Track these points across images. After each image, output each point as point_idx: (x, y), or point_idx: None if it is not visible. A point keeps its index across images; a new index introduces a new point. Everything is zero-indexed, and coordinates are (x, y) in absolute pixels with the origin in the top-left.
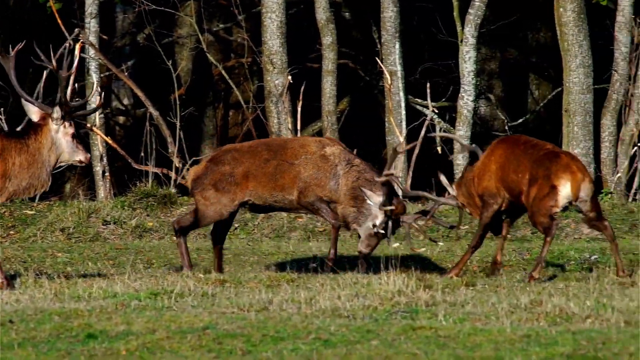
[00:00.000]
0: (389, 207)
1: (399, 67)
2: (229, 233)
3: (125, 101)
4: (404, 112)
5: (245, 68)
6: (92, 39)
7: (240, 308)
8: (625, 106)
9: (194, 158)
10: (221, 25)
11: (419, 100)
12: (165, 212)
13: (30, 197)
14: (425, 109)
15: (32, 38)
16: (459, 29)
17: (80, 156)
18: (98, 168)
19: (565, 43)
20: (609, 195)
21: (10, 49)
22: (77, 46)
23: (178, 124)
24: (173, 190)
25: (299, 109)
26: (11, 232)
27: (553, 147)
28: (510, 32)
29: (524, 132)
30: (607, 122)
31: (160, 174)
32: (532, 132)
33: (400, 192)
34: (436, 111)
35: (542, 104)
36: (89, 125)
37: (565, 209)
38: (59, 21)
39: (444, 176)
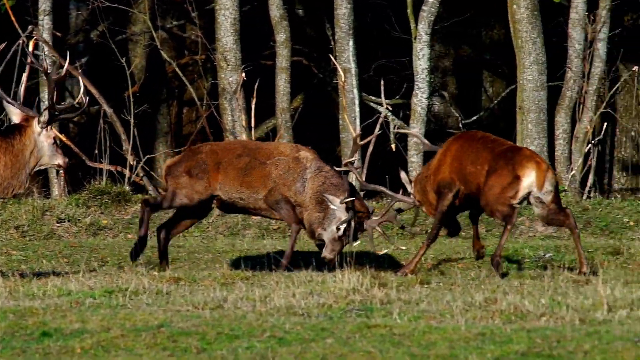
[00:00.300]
0: (349, 199)
1: (352, 65)
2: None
3: (79, 99)
4: (357, 109)
5: (199, 65)
6: (46, 36)
7: (195, 306)
8: (579, 103)
9: (148, 156)
10: (175, 23)
11: (373, 98)
12: (120, 209)
13: (5, 198)
14: (379, 106)
15: None
16: (412, 26)
17: (59, 160)
18: None
19: (518, 40)
20: (563, 192)
21: None
22: (31, 43)
23: (132, 121)
24: (127, 188)
25: (253, 106)
26: None
27: (513, 144)
28: (464, 29)
29: (478, 129)
30: (561, 120)
31: (115, 172)
32: (486, 129)
33: (358, 184)
34: (390, 108)
35: (496, 101)
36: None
37: (521, 202)
38: (13, 18)
39: (405, 175)
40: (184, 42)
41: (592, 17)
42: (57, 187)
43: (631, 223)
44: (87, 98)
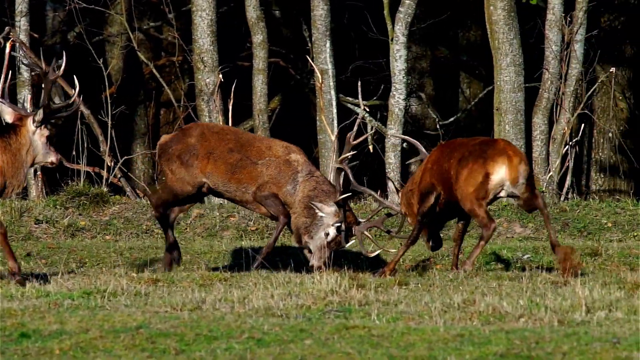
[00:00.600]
0: (343, 196)
1: (329, 66)
2: (161, 232)
3: (57, 100)
4: (335, 110)
5: (176, 66)
6: (23, 37)
7: (174, 307)
8: (557, 105)
9: (126, 157)
10: (152, 24)
11: (350, 99)
12: (98, 211)
13: (5, 198)
14: (356, 108)
15: None
16: (389, 27)
17: (52, 157)
18: None
19: (495, 41)
20: (541, 194)
21: None
22: (8, 44)
23: (109, 122)
24: (105, 189)
25: (230, 108)
26: None
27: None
28: (441, 31)
29: (455, 130)
30: (539, 121)
31: (92, 173)
32: (463, 130)
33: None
34: (367, 110)
35: (473, 103)
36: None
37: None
38: None
39: (392, 182)
40: (161, 43)
41: (569, 19)
42: (34, 188)
43: (609, 224)
44: (81, 97)
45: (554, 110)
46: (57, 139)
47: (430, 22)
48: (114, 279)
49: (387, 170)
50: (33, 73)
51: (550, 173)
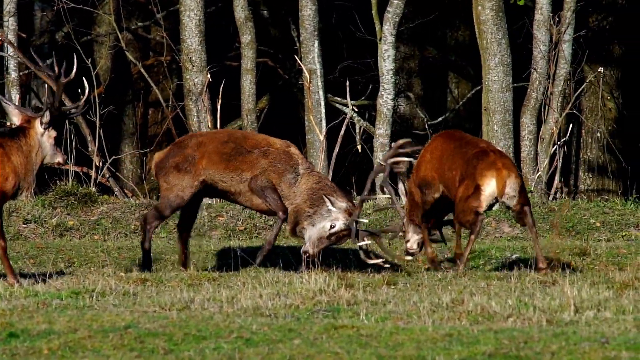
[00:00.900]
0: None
1: (318, 66)
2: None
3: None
4: (323, 110)
5: (165, 66)
6: (11, 37)
7: (162, 307)
8: (545, 105)
9: (114, 157)
10: (140, 24)
11: (339, 99)
12: (86, 210)
13: (15, 198)
14: (344, 108)
15: None
16: (377, 27)
17: (59, 158)
18: None
19: (484, 41)
20: (530, 194)
21: None
22: None
23: (97, 122)
24: (93, 189)
25: (219, 107)
26: None
27: (487, 145)
28: (429, 31)
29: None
30: (527, 121)
31: (80, 173)
32: None
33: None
34: (356, 109)
35: (461, 103)
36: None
37: (491, 206)
38: None
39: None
40: (149, 43)
41: (557, 19)
42: None
43: (597, 224)
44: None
45: (542, 110)
46: None
47: (418, 22)
48: (103, 279)
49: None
50: (21, 73)
51: (539, 173)
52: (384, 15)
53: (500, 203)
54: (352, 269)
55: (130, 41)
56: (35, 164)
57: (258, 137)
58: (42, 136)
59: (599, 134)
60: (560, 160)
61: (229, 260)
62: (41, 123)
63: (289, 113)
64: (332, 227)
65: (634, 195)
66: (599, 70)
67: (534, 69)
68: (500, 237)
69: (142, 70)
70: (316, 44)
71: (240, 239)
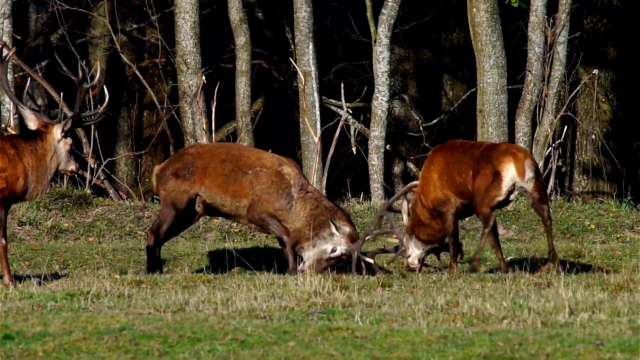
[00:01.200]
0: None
1: (312, 68)
2: (144, 234)
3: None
4: (318, 112)
5: (159, 68)
6: (6, 39)
7: (157, 309)
8: (540, 107)
9: (109, 159)
10: (134, 26)
11: (333, 101)
12: (81, 212)
13: (27, 201)
14: (339, 110)
15: None
16: (372, 29)
17: (72, 166)
18: None
19: (478, 43)
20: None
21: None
22: None
23: (92, 125)
24: (88, 191)
25: (214, 110)
26: None
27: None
28: (424, 33)
29: (438, 132)
30: (522, 123)
31: (75, 175)
32: (446, 132)
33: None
34: (350, 112)
35: (456, 105)
36: (3, 125)
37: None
38: None
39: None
40: (144, 45)
41: (551, 21)
42: None
43: (592, 226)
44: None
45: (537, 112)
46: None
47: (413, 24)
48: (98, 281)
49: (370, 172)
50: (16, 75)
51: None
52: (378, 18)
53: (519, 189)
54: (346, 272)
55: (125, 43)
56: (50, 169)
57: (251, 154)
58: (59, 142)
59: (593, 136)
60: (555, 162)
61: (224, 262)
62: (62, 130)
63: (283, 115)
64: (333, 250)
65: (629, 198)
66: (593, 72)
67: (529, 71)
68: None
69: (137, 72)
70: (311, 46)
71: (235, 240)
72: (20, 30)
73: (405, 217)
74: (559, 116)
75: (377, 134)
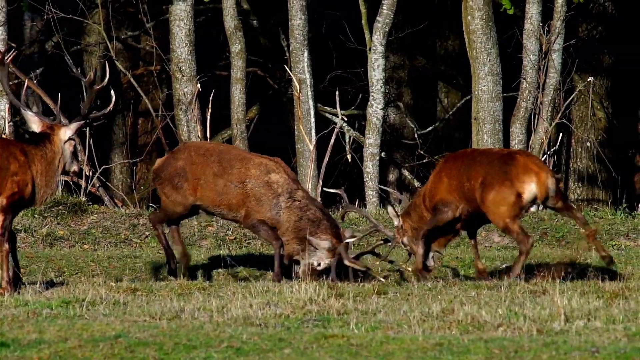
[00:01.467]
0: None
1: (307, 75)
2: (140, 241)
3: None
4: (313, 120)
5: (154, 76)
6: (0, 46)
7: (152, 316)
8: (535, 114)
9: (104, 166)
10: (129, 33)
11: (328, 108)
12: (76, 220)
13: (37, 206)
14: (334, 117)
15: None
16: (367, 36)
17: (75, 166)
18: None
19: (473, 51)
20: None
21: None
22: None
23: (87, 132)
24: (83, 199)
25: (209, 117)
26: None
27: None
28: (419, 40)
29: (433, 139)
30: (517, 130)
31: (71, 182)
32: (441, 140)
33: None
34: (345, 119)
35: (451, 112)
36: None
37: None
38: None
39: (392, 208)
40: (138, 52)
41: (546, 28)
42: None
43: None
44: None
45: (532, 119)
46: None
47: (408, 31)
48: (93, 288)
49: (365, 180)
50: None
51: None
52: (373, 25)
53: (537, 204)
54: (342, 279)
55: (120, 51)
56: (58, 171)
57: (239, 162)
58: (65, 144)
59: (588, 144)
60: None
61: (219, 270)
62: (73, 132)
63: (278, 122)
64: (318, 264)
65: (624, 205)
66: (588, 79)
67: (524, 79)
68: (490, 246)
69: (132, 79)
70: (306, 54)
71: (231, 248)
72: (15, 37)
73: (395, 221)
74: (554, 124)
75: (372, 141)
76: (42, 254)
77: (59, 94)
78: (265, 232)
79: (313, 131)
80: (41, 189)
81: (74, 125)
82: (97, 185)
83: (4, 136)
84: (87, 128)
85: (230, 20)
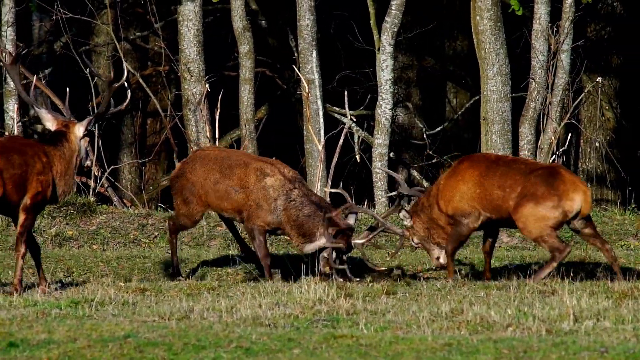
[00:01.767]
0: (337, 244)
1: (316, 76)
2: (148, 241)
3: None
4: (322, 120)
5: (163, 76)
6: (9, 47)
7: (161, 316)
8: (544, 114)
9: (113, 166)
10: (138, 34)
11: (337, 109)
12: (85, 220)
13: (56, 203)
14: (343, 117)
15: None
16: (375, 37)
17: (88, 161)
18: None
19: (482, 51)
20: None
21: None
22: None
23: (96, 132)
24: (92, 199)
25: (217, 117)
26: None
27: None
28: (428, 41)
29: (442, 140)
30: (526, 131)
31: (79, 183)
32: (450, 140)
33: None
34: (354, 119)
35: (460, 112)
36: (7, 133)
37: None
38: None
39: (405, 210)
40: (147, 53)
41: (555, 29)
42: None
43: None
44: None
45: (541, 119)
46: None
47: (416, 32)
48: (102, 289)
49: (374, 180)
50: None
51: None
52: (382, 25)
53: (571, 223)
54: (351, 279)
55: (129, 51)
56: (75, 169)
57: (239, 169)
58: (80, 140)
59: (597, 144)
60: None
61: (228, 270)
62: (85, 129)
63: (287, 123)
64: (324, 257)
65: (633, 205)
66: (597, 80)
67: (533, 79)
68: (499, 247)
69: (141, 80)
70: (314, 54)
71: (239, 248)
72: (24, 38)
73: (407, 222)
74: (562, 124)
75: (380, 141)
76: (51, 254)
77: (67, 90)
78: (259, 243)
79: (322, 131)
80: (60, 189)
81: (86, 121)
82: (106, 185)
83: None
84: (96, 128)
85: (238, 21)
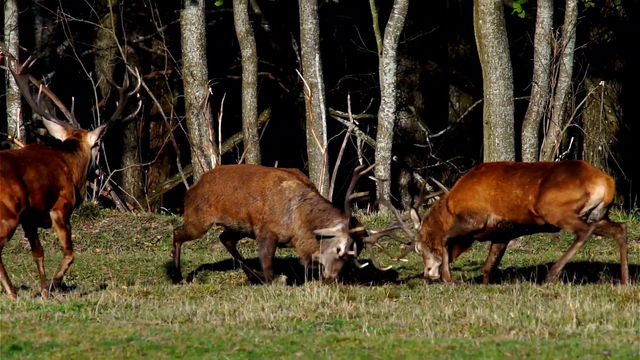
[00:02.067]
0: (355, 229)
1: (319, 79)
2: (151, 245)
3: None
4: (324, 124)
5: (166, 80)
6: (12, 51)
7: (164, 320)
8: (546, 118)
9: (116, 170)
10: (141, 38)
11: (340, 112)
12: (88, 224)
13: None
14: (346, 121)
15: None
16: (378, 41)
17: (97, 171)
18: None
19: (485, 55)
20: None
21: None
22: None
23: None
24: (95, 202)
25: (220, 121)
26: None
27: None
28: (430, 44)
29: (444, 143)
30: (528, 134)
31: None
32: (452, 143)
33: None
34: (357, 123)
35: (462, 116)
36: (10, 136)
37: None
38: None
39: (415, 212)
40: (150, 57)
41: (558, 32)
42: None
43: (599, 237)
44: (141, 105)
45: (544, 123)
46: None
47: (419, 35)
48: (105, 292)
49: (376, 183)
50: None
51: None
52: (384, 29)
53: (591, 212)
54: (354, 282)
55: (131, 55)
56: (86, 176)
57: (258, 177)
58: (92, 149)
59: (600, 148)
60: None
61: (231, 273)
62: (98, 137)
63: (290, 126)
64: (338, 250)
65: (636, 209)
66: (600, 83)
67: (535, 83)
68: None
69: (144, 84)
70: (317, 58)
71: (243, 252)
72: (27, 42)
73: (416, 224)
74: (565, 128)
75: (383, 145)
76: (54, 258)
77: (73, 99)
78: (266, 253)
79: (324, 135)
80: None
81: (98, 130)
82: (109, 188)
83: (15, 141)
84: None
85: (241, 25)
